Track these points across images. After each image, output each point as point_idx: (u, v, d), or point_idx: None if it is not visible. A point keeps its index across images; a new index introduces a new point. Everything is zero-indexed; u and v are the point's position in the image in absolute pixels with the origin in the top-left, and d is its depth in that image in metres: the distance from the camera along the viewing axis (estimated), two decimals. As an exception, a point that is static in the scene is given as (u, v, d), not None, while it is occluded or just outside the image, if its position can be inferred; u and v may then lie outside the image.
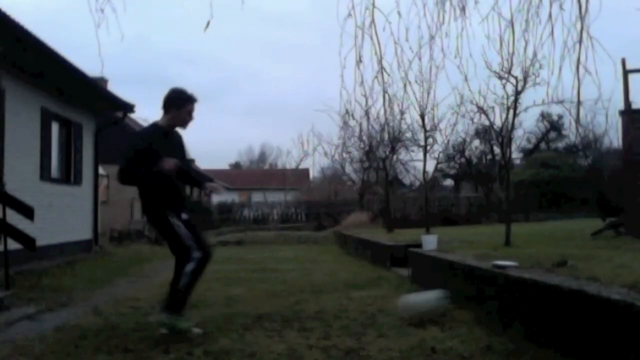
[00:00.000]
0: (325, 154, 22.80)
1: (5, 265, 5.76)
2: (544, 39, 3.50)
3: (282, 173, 38.73)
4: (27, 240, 6.19)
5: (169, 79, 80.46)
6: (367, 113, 9.35)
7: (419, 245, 6.94)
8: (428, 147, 10.98)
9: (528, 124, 31.61)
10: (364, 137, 13.86)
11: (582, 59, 3.20)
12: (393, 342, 3.79)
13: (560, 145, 32.32)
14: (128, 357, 3.56)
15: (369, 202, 21.96)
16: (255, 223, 25.60)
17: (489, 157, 29.31)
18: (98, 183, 12.47)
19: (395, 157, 14.52)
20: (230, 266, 9.41)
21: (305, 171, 37.98)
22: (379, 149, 13.48)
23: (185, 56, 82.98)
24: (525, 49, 4.58)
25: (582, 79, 3.27)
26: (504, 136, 7.79)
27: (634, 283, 3.11)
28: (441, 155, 17.08)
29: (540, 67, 6.30)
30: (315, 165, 49.27)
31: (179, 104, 4.17)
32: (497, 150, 24.23)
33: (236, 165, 56.95)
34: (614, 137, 22.29)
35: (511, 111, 7.25)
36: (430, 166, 25.41)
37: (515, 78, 6.77)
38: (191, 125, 4.29)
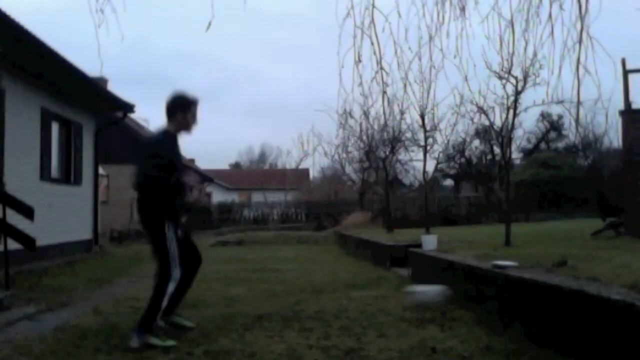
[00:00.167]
0: (325, 154, 22.78)
1: (5, 265, 5.76)
2: (544, 39, 3.49)
3: (282, 173, 38.72)
4: (27, 240, 6.19)
5: (169, 79, 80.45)
6: (364, 113, 9.39)
7: (419, 245, 6.94)
8: (428, 147, 10.98)
9: (528, 124, 31.67)
10: (364, 137, 13.85)
11: (582, 59, 3.20)
12: (393, 342, 3.79)
13: (560, 145, 32.34)
14: (128, 357, 3.56)
15: (369, 202, 21.96)
16: (255, 223, 25.61)
17: (489, 157, 29.32)
18: (98, 183, 12.47)
19: (395, 157, 14.50)
20: (230, 266, 9.42)
21: (305, 171, 37.99)
22: (379, 149, 13.48)
23: (185, 56, 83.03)
24: (525, 49, 4.58)
25: (582, 79, 3.27)
26: (504, 136, 7.79)
27: (634, 283, 3.11)
28: (441, 155, 17.07)
29: (540, 67, 6.30)
30: (315, 165, 49.25)
31: (184, 108, 4.09)
32: (497, 150, 24.26)
33: (236, 165, 56.97)
34: (614, 137, 22.29)
35: (511, 111, 7.26)
36: (430, 166, 25.40)
37: (515, 78, 6.78)
38: (196, 129, 4.22)
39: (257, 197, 33.65)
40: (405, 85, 4.07)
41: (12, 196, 6.29)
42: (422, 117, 10.04)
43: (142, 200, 4.02)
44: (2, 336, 4.18)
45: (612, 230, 8.15)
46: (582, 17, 3.15)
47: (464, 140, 26.12)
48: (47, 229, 8.66)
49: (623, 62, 7.72)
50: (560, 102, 4.74)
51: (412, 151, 14.37)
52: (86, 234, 11.50)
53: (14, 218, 6.30)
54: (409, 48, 3.72)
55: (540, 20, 3.53)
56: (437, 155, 13.36)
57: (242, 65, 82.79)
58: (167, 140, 4.13)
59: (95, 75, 9.67)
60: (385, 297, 5.65)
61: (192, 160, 30.39)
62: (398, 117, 11.26)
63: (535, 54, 5.57)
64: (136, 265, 9.82)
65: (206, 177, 30.56)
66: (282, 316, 4.71)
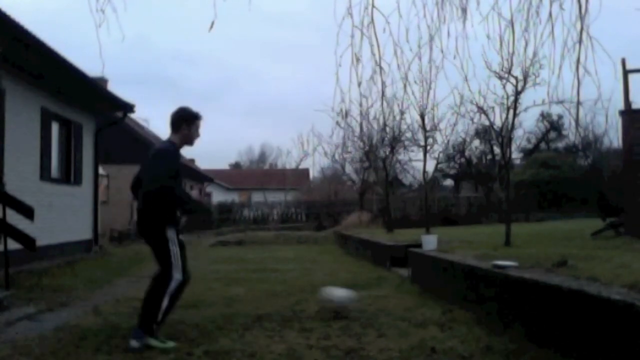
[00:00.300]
0: (325, 154, 22.78)
1: (5, 265, 5.76)
2: (544, 38, 3.49)
3: (282, 173, 38.72)
4: (27, 240, 6.19)
5: (169, 79, 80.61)
6: (362, 113, 9.38)
7: (419, 245, 6.93)
8: (428, 147, 10.98)
9: (528, 124, 31.66)
10: (364, 137, 13.84)
11: (582, 59, 3.20)
12: (393, 342, 3.79)
13: (560, 145, 32.32)
14: (128, 357, 3.56)
15: (369, 202, 21.96)
16: (255, 223, 25.62)
17: (489, 157, 29.30)
18: (98, 183, 12.46)
19: (394, 157, 14.49)
20: (231, 266, 9.42)
21: (305, 171, 37.99)
22: (379, 149, 13.47)
23: (185, 56, 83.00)
24: (525, 48, 4.58)
25: (582, 79, 3.27)
26: (504, 136, 7.79)
27: (634, 283, 3.11)
28: (441, 155, 17.06)
29: (540, 67, 6.31)
30: (315, 165, 49.21)
31: (189, 121, 4.27)
32: (497, 150, 24.22)
33: (236, 165, 56.97)
34: (614, 137, 22.28)
35: (511, 111, 7.26)
36: (430, 166, 25.40)
37: (515, 78, 6.78)
38: (197, 142, 4.41)
39: (257, 197, 33.65)
40: (405, 85, 4.07)
41: (12, 196, 6.29)
42: (422, 117, 10.05)
43: (147, 207, 4.05)
44: (2, 336, 4.18)
45: (612, 230, 8.15)
46: (582, 17, 3.15)
47: (464, 140, 26.10)
48: (47, 229, 8.66)
49: (623, 62, 7.72)
50: (560, 102, 4.75)
51: (412, 151, 14.35)
52: (86, 234, 11.49)
53: (14, 218, 6.30)
54: (410, 49, 3.72)
55: (540, 20, 3.53)
56: (437, 155, 13.36)
57: (242, 65, 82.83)
58: (177, 152, 4.30)
59: (96, 75, 9.67)
60: (385, 297, 5.65)
61: (192, 160, 30.37)
62: (398, 117, 11.26)
63: (535, 54, 5.59)
64: (136, 265, 9.81)
65: (206, 177, 30.55)
66: (282, 316, 4.71)
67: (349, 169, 22.19)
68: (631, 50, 23.88)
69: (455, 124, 12.50)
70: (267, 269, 8.85)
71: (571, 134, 29.65)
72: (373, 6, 3.42)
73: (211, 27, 3.30)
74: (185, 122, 4.26)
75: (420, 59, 3.91)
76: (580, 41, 3.18)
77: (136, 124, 21.14)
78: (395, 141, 12.59)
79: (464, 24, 3.54)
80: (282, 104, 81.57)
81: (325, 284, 6.81)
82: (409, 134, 12.51)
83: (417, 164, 24.70)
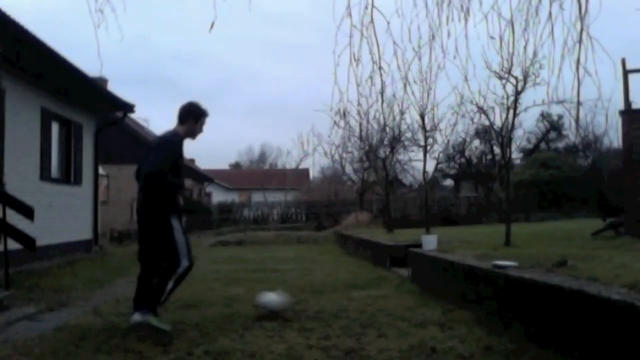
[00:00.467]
0: (325, 154, 22.79)
1: (5, 265, 5.76)
2: (543, 38, 3.49)
3: (282, 173, 38.72)
4: (27, 240, 6.18)
5: (169, 79, 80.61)
6: (360, 113, 9.39)
7: (419, 245, 6.93)
8: (428, 147, 10.98)
9: (528, 124, 31.65)
10: (363, 137, 13.83)
11: (582, 59, 3.20)
12: (393, 342, 3.79)
13: (560, 145, 32.32)
14: (128, 357, 3.56)
15: (368, 202, 21.96)
16: (255, 223, 25.62)
17: (489, 157, 29.31)
18: (98, 183, 12.46)
19: (394, 157, 14.49)
20: (231, 266, 9.42)
21: (305, 171, 37.99)
22: (379, 149, 13.47)
23: (185, 56, 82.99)
24: (525, 48, 4.57)
25: (582, 79, 3.27)
26: (504, 136, 7.79)
27: (634, 283, 3.11)
28: (441, 155, 17.05)
29: (540, 67, 6.31)
30: (315, 165, 49.22)
31: (197, 116, 4.45)
32: (497, 150, 24.23)
33: (236, 165, 56.96)
34: (614, 137, 22.28)
35: (511, 111, 7.26)
36: (430, 166, 25.42)
37: (515, 78, 6.78)
38: (199, 138, 4.58)
39: (257, 197, 33.65)
40: (405, 85, 4.07)
41: (12, 196, 6.29)
42: (422, 117, 10.05)
43: (147, 193, 4.23)
44: (2, 336, 4.18)
45: (612, 230, 8.15)
46: (582, 17, 3.15)
47: (464, 140, 26.12)
48: (47, 229, 8.66)
49: (623, 62, 7.72)
50: (561, 102, 4.75)
51: (412, 151, 14.36)
52: (86, 234, 11.49)
53: (14, 218, 6.30)
54: (413, 48, 3.71)
55: (540, 20, 3.52)
56: (437, 155, 13.36)
57: (242, 65, 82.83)
58: (180, 142, 4.43)
59: (95, 75, 9.67)
60: (385, 297, 5.65)
61: (192, 160, 30.37)
62: (398, 117, 11.27)
63: (535, 54, 5.58)
64: (136, 265, 9.78)
65: (206, 177, 30.56)
66: (282, 316, 4.71)
67: (349, 169, 22.20)
68: (631, 50, 23.88)
69: (455, 124, 12.50)
70: (267, 269, 8.85)
71: (571, 134, 29.67)
72: (373, 6, 3.42)
73: (211, 27, 3.30)
74: (193, 116, 4.44)
75: (420, 59, 3.91)
76: (580, 41, 3.18)
77: (136, 124, 21.14)
78: (395, 141, 12.60)
79: (466, 24, 3.54)
80: (282, 104, 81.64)
81: (325, 284, 6.83)
82: (409, 134, 12.53)
83: (417, 164, 24.74)
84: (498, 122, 7.81)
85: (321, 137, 23.18)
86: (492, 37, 3.70)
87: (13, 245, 6.20)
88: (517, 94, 6.97)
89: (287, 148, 60.37)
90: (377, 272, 7.91)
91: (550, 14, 3.33)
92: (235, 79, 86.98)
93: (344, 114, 4.58)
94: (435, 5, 3.55)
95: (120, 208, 18.44)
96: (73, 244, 10.48)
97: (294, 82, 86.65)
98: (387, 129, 12.02)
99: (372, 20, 3.44)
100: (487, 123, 8.70)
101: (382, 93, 3.87)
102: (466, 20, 3.52)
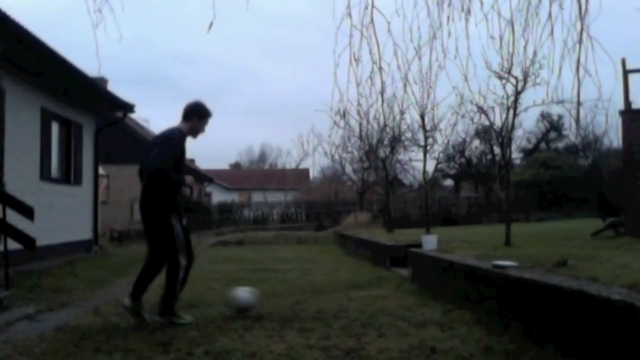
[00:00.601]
0: (325, 154, 22.79)
1: (5, 265, 5.76)
2: (543, 38, 3.49)
3: (282, 173, 38.75)
4: (27, 240, 6.18)
5: (169, 79, 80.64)
6: (360, 113, 9.39)
7: (419, 245, 6.93)
8: (428, 147, 10.98)
9: (528, 124, 31.63)
10: (364, 137, 13.83)
11: (582, 59, 3.20)
12: (393, 342, 3.78)
13: (560, 145, 32.32)
14: (128, 357, 3.56)
15: (368, 202, 21.96)
16: (255, 223, 25.62)
17: (489, 157, 29.30)
18: (98, 183, 12.47)
19: (394, 157, 14.49)
20: (231, 266, 9.42)
21: (305, 171, 38.01)
22: (379, 149, 13.47)
23: (185, 56, 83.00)
24: (525, 48, 4.57)
25: (582, 79, 3.27)
26: (504, 136, 7.80)
27: (634, 283, 3.11)
28: (441, 155, 17.07)
29: (540, 67, 6.31)
30: (315, 165, 49.21)
31: (201, 115, 4.62)
32: (497, 150, 24.23)
33: (236, 165, 56.94)
34: (614, 137, 22.29)
35: (511, 111, 7.26)
36: (430, 166, 25.42)
37: (515, 78, 6.78)
38: (200, 137, 4.75)
39: (257, 197, 33.66)
40: (405, 85, 4.07)
41: (12, 196, 6.29)
42: (422, 117, 10.05)
43: (147, 191, 4.36)
44: (2, 336, 4.18)
45: (612, 230, 8.15)
46: (582, 17, 3.15)
47: (464, 140, 26.13)
48: (47, 229, 8.66)
49: (623, 62, 7.72)
50: (561, 102, 4.76)
51: (412, 151, 14.36)
52: (86, 234, 11.50)
53: (14, 218, 6.29)
54: (414, 48, 3.71)
55: (539, 20, 3.52)
56: (437, 155, 13.38)
57: (242, 65, 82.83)
58: (183, 139, 4.57)
59: (95, 75, 9.67)
60: (385, 297, 5.65)
61: (192, 161, 30.39)
62: (398, 117, 11.27)
63: (535, 54, 5.58)
64: (136, 265, 9.77)
65: (206, 177, 30.56)
66: (282, 316, 4.71)
67: (349, 169, 22.21)
68: (631, 50, 23.89)
69: (455, 124, 12.47)
70: (267, 269, 8.85)
71: (571, 134, 29.66)
72: (373, 6, 3.42)
73: (210, 27, 3.30)
74: (198, 115, 4.60)
75: (420, 59, 3.91)
76: (580, 41, 3.18)
77: (136, 124, 21.16)
78: (395, 141, 12.60)
79: (466, 24, 3.54)
80: (282, 104, 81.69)
81: (325, 284, 6.83)
82: (409, 134, 12.53)
83: (417, 164, 24.76)
84: (498, 122, 7.83)
85: (321, 137, 23.20)
86: (492, 37, 3.70)
87: (13, 245, 6.20)
88: (517, 94, 6.97)
89: (287, 148, 60.47)
90: (377, 272, 7.91)
91: (550, 14, 3.33)
92: (235, 79, 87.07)
93: (344, 114, 4.59)
94: (436, 6, 3.56)
95: (120, 208, 18.47)
96: (73, 244, 10.48)
97: (294, 82, 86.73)
98: (387, 128, 12.02)
99: (372, 20, 3.44)
100: (487, 123, 8.72)
101: (382, 93, 3.87)
102: (467, 20, 3.52)
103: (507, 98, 7.18)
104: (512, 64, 6.36)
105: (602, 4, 3.11)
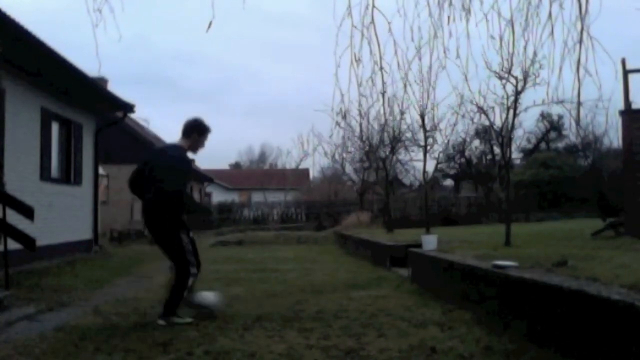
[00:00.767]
0: (325, 154, 22.76)
1: (5, 265, 5.76)
2: (544, 38, 3.49)
3: (282, 173, 38.73)
4: (27, 240, 6.18)
5: (169, 79, 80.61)
6: (360, 113, 9.39)
7: (419, 245, 6.94)
8: (428, 147, 10.97)
9: (528, 124, 31.65)
10: (364, 137, 13.83)
11: (582, 59, 3.20)
12: (393, 342, 3.79)
13: (560, 145, 32.34)
14: (128, 357, 3.56)
15: (369, 202, 21.95)
16: (255, 223, 25.62)
17: (489, 157, 29.32)
18: (98, 183, 12.46)
19: (395, 157, 14.48)
20: (231, 266, 9.42)
21: (305, 171, 37.99)
22: (379, 149, 13.47)
23: (185, 56, 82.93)
24: (525, 48, 4.57)
25: (583, 79, 3.27)
26: (504, 136, 7.79)
27: (634, 283, 3.11)
28: (441, 155, 17.04)
29: (540, 67, 6.30)
30: (315, 165, 49.14)
31: (200, 131, 4.83)
32: (497, 150, 24.24)
33: (236, 165, 56.93)
34: (614, 137, 22.26)
35: (511, 111, 7.26)
36: (430, 166, 25.43)
37: (515, 78, 6.78)
38: (201, 154, 5.06)
39: (257, 197, 33.64)
40: (405, 85, 4.07)
41: (12, 196, 6.29)
42: (422, 117, 10.04)
43: (158, 208, 4.56)
44: (2, 336, 4.18)
45: (612, 230, 8.15)
46: (582, 17, 3.15)
47: (464, 140, 26.11)
48: (47, 229, 8.66)
49: (623, 62, 7.72)
50: (561, 102, 4.76)
51: (412, 151, 14.35)
52: (86, 234, 11.49)
53: (14, 218, 6.30)
54: (415, 47, 3.71)
55: (540, 20, 3.52)
56: (437, 155, 13.33)
57: (242, 65, 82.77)
58: (188, 157, 4.85)
59: (95, 75, 9.67)
60: (385, 297, 5.65)
61: (192, 161, 30.38)
62: (398, 117, 11.26)
63: (535, 54, 5.57)
64: (136, 265, 9.82)
65: (206, 177, 30.56)
66: (282, 316, 4.71)
67: (349, 169, 22.20)
68: (631, 50, 23.88)
69: (455, 124, 12.45)
70: (267, 269, 8.85)
71: (571, 134, 29.67)
72: (373, 6, 3.42)
73: (209, 27, 3.29)
74: (197, 132, 4.82)
75: (420, 59, 3.91)
76: (580, 41, 3.18)
77: (136, 124, 21.14)
78: (395, 141, 12.59)
79: (467, 24, 3.54)
80: (282, 104, 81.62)
81: (325, 284, 6.83)
82: (409, 134, 12.52)
83: (417, 164, 24.74)
84: (498, 122, 7.82)
85: (321, 137, 23.17)
86: (492, 37, 3.70)
87: (13, 245, 6.20)
88: (517, 94, 6.97)
89: (287, 148, 60.37)
90: (377, 272, 7.91)
91: (550, 14, 3.33)
92: (235, 79, 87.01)
93: (345, 115, 4.59)
94: (436, 5, 3.56)
95: (120, 208, 18.45)
96: (73, 244, 10.48)
97: (294, 82, 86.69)
98: (388, 128, 12.02)
99: (372, 21, 3.44)
100: (487, 123, 8.71)
101: (383, 93, 3.87)
102: (467, 20, 3.52)
103: (507, 98, 7.18)
104: (512, 64, 6.36)
105: (602, 4, 3.11)
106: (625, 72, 7.92)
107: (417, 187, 27.71)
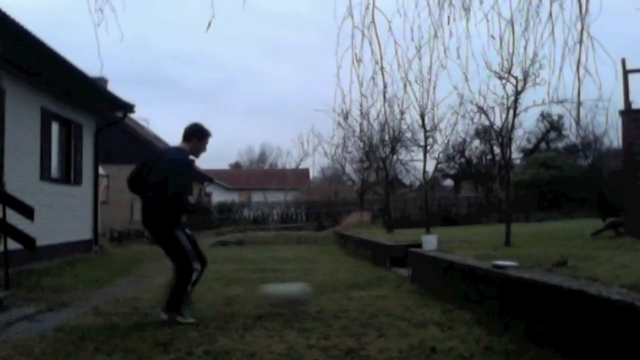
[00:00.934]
0: (325, 154, 22.78)
1: (5, 265, 5.76)
2: (544, 38, 3.49)
3: (282, 173, 38.70)
4: (27, 240, 6.18)
5: (169, 79, 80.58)
6: (362, 113, 9.39)
7: (419, 245, 6.94)
8: (428, 147, 10.98)
9: (528, 124, 31.63)
10: (364, 137, 13.84)
11: (583, 59, 3.20)
12: (393, 342, 3.79)
13: (560, 145, 32.32)
14: (128, 357, 3.56)
15: (369, 202, 21.96)
16: (255, 223, 25.61)
17: (489, 157, 29.32)
18: (98, 183, 12.46)
19: (395, 157, 14.49)
20: (231, 266, 9.42)
21: (305, 171, 37.99)
22: (379, 149, 13.47)
23: (185, 56, 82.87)
24: (525, 48, 4.58)
25: (583, 79, 3.27)
26: (504, 136, 7.80)
27: (634, 283, 3.11)
28: (441, 155, 17.04)
29: (540, 67, 6.31)
30: (315, 165, 49.18)
31: (201, 136, 4.91)
32: (497, 150, 24.23)
33: (236, 165, 56.92)
34: (614, 137, 22.27)
35: (511, 111, 7.26)
36: (430, 166, 25.41)
37: (515, 78, 6.78)
38: (201, 156, 5.04)
39: (257, 197, 33.62)
40: (405, 85, 4.07)
41: (12, 196, 6.29)
42: (422, 117, 10.05)
43: (157, 208, 4.61)
44: (2, 336, 4.18)
45: (612, 230, 8.15)
46: (582, 17, 3.15)
47: (464, 140, 26.09)
48: (47, 229, 8.66)
49: (623, 62, 7.73)
50: (561, 102, 4.76)
51: (412, 151, 14.37)
52: (86, 234, 11.49)
53: (14, 218, 6.30)
54: (415, 47, 3.71)
55: (540, 20, 3.53)
56: (437, 155, 13.35)
57: (242, 65, 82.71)
58: (189, 159, 4.90)
59: (95, 75, 9.67)
60: (385, 297, 5.65)
61: (193, 162, 30.34)
62: (398, 117, 11.27)
63: (535, 54, 5.59)
64: (136, 265, 9.82)
65: (206, 177, 30.56)
66: (282, 316, 4.71)
67: (349, 169, 22.21)
68: (631, 50, 23.90)
69: (455, 124, 12.48)
70: (267, 269, 8.85)
71: (571, 134, 29.66)
72: (374, 6, 3.42)
73: (208, 27, 3.30)
74: (197, 136, 4.88)
75: (420, 58, 3.91)
76: (580, 41, 3.18)
77: (136, 124, 21.14)
78: (396, 141, 12.60)
79: (467, 24, 3.54)
80: (282, 104, 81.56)
81: (325, 284, 6.83)
82: (409, 134, 12.53)
83: (417, 164, 24.76)
84: (498, 122, 7.82)
85: (321, 137, 23.19)
86: (492, 37, 3.70)
87: (13, 245, 6.20)
88: (517, 94, 6.97)
89: (287, 148, 60.41)
90: (377, 272, 7.91)
91: (550, 14, 3.33)
92: (235, 79, 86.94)
93: (347, 115, 4.61)
94: (437, 5, 3.56)
95: (120, 208, 18.45)
96: (73, 244, 10.48)
97: (294, 82, 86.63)
98: (388, 128, 12.02)
99: (373, 21, 3.44)
100: (487, 123, 8.71)
101: (384, 93, 3.87)
102: (467, 20, 3.53)
103: (507, 98, 7.18)
104: (512, 64, 6.37)
105: (602, 4, 3.11)
106: (625, 72, 7.92)
107: (417, 187, 27.73)
